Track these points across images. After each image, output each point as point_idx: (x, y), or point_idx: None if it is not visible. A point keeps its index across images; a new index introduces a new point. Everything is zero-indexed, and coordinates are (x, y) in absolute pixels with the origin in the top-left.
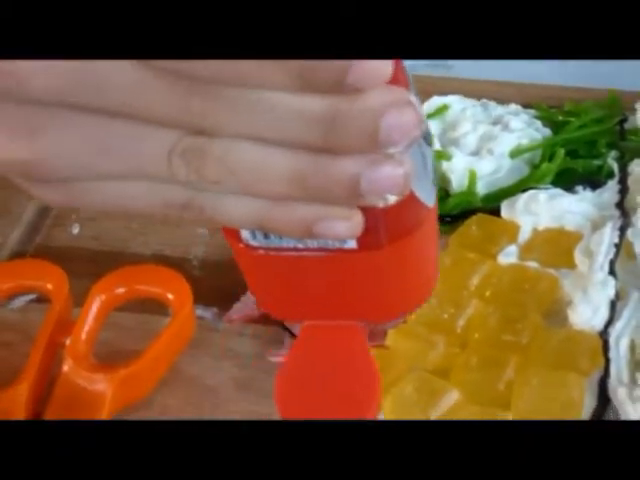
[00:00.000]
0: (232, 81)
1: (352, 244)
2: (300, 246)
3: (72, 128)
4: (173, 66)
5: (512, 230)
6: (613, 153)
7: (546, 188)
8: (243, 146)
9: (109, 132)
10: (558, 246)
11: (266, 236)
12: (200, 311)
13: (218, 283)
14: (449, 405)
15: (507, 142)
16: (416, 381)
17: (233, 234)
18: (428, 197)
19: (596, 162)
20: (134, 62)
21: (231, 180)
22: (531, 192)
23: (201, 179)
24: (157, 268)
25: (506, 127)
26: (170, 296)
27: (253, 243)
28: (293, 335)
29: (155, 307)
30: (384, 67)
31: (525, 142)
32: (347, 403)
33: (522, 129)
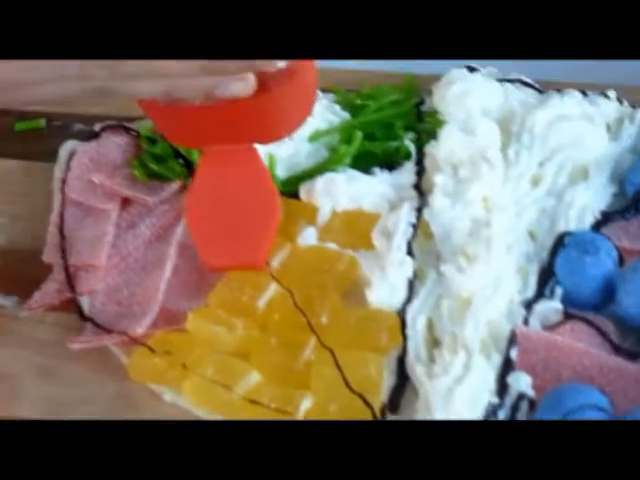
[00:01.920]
0: None
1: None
2: None
3: None
4: None
5: (311, 212)
6: (410, 135)
7: (344, 170)
8: None
9: None
10: (356, 227)
11: None
12: (0, 299)
13: (18, 272)
14: (250, 386)
15: (306, 126)
16: (216, 363)
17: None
18: None
19: (393, 144)
20: None
21: None
22: (329, 174)
23: None
24: None
25: None
26: None
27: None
28: (95, 323)
29: None
30: None
31: (324, 126)
32: (252, 216)
33: (321, 113)
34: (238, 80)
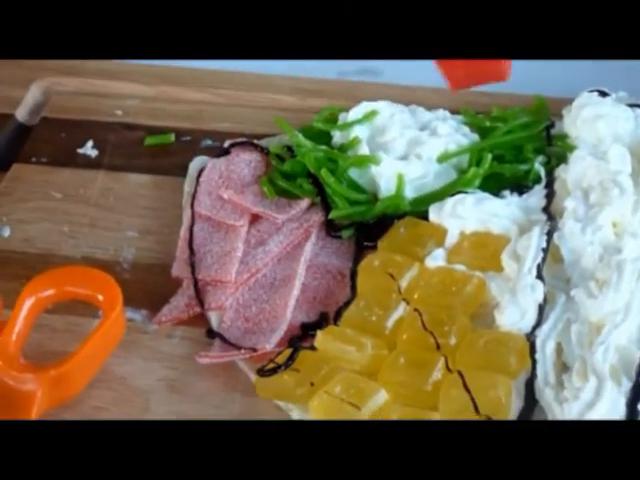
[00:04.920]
0: None
1: None
2: None
3: None
4: None
5: (440, 233)
6: (540, 158)
7: (473, 192)
8: None
9: None
10: (485, 249)
11: None
12: (130, 313)
13: (148, 285)
14: (378, 405)
15: (435, 147)
16: (344, 381)
17: None
18: None
19: (523, 167)
20: None
21: None
22: (458, 196)
23: None
24: (87, 270)
25: (434, 132)
26: (100, 298)
27: None
28: (223, 339)
29: (85, 309)
30: None
31: (452, 147)
32: None
33: (449, 134)
34: None
